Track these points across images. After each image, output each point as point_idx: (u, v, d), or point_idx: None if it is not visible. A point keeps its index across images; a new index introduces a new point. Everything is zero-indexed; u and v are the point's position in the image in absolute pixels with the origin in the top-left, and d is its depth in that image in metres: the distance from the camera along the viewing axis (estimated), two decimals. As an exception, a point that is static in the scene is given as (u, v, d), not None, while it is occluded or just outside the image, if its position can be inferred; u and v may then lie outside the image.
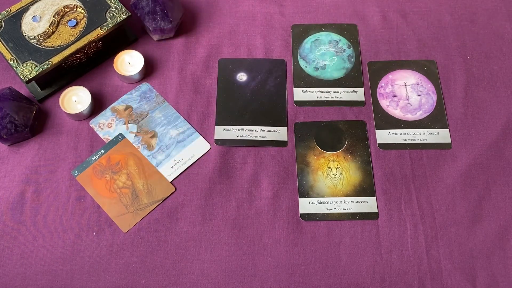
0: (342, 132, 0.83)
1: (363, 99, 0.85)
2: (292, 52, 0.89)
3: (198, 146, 0.81)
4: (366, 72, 0.88)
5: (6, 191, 0.77)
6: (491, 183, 0.79)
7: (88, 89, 0.82)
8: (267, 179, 0.79)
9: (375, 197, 0.78)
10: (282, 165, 0.80)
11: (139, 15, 0.86)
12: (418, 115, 0.84)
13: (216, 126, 0.83)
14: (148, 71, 0.87)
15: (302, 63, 0.88)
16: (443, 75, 0.88)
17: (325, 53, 0.89)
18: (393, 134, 0.82)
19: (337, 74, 0.87)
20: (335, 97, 0.85)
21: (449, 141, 0.82)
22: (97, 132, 0.82)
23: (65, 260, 0.73)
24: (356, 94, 0.86)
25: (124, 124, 0.82)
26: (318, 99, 0.85)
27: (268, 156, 0.81)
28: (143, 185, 0.78)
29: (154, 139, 0.81)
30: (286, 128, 0.83)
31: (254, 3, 0.94)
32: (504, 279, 0.73)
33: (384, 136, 0.82)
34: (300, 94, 0.85)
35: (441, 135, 0.82)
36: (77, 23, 0.82)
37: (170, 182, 0.78)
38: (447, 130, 0.83)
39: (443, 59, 0.89)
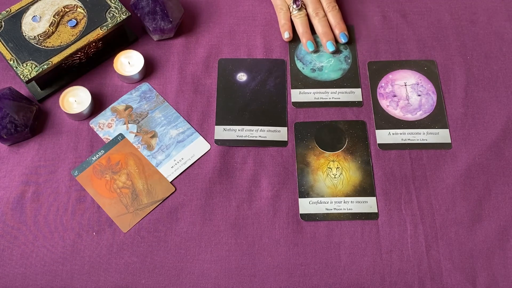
0: (342, 132, 0.83)
1: (361, 100, 0.85)
2: (289, 54, 0.89)
3: (198, 146, 0.81)
4: (366, 72, 0.88)
5: (6, 191, 0.77)
6: (491, 183, 0.79)
7: (88, 89, 0.82)
8: (267, 179, 0.79)
9: (375, 197, 0.78)
10: (282, 165, 0.80)
11: (139, 15, 0.86)
12: (418, 115, 0.84)
13: (216, 126, 0.83)
14: (148, 71, 0.87)
15: (299, 65, 0.88)
16: (443, 75, 0.88)
17: (322, 55, 0.89)
18: (393, 134, 0.82)
19: (334, 75, 0.87)
20: (332, 98, 0.85)
21: (449, 141, 0.82)
22: (97, 132, 0.82)
23: (65, 260, 0.73)
24: (354, 94, 0.86)
25: (124, 124, 0.82)
26: (316, 100, 0.85)
27: (268, 156, 0.81)
28: (143, 185, 0.78)
29: (154, 139, 0.81)
30: (286, 128, 0.83)
31: (254, 3, 0.94)
32: (504, 279, 0.73)
33: (384, 136, 0.82)
34: (297, 95, 0.85)
35: (441, 135, 0.82)
36: (77, 23, 0.82)
37: (170, 182, 0.78)
38: (447, 130, 0.83)
39: (443, 59, 0.89)
